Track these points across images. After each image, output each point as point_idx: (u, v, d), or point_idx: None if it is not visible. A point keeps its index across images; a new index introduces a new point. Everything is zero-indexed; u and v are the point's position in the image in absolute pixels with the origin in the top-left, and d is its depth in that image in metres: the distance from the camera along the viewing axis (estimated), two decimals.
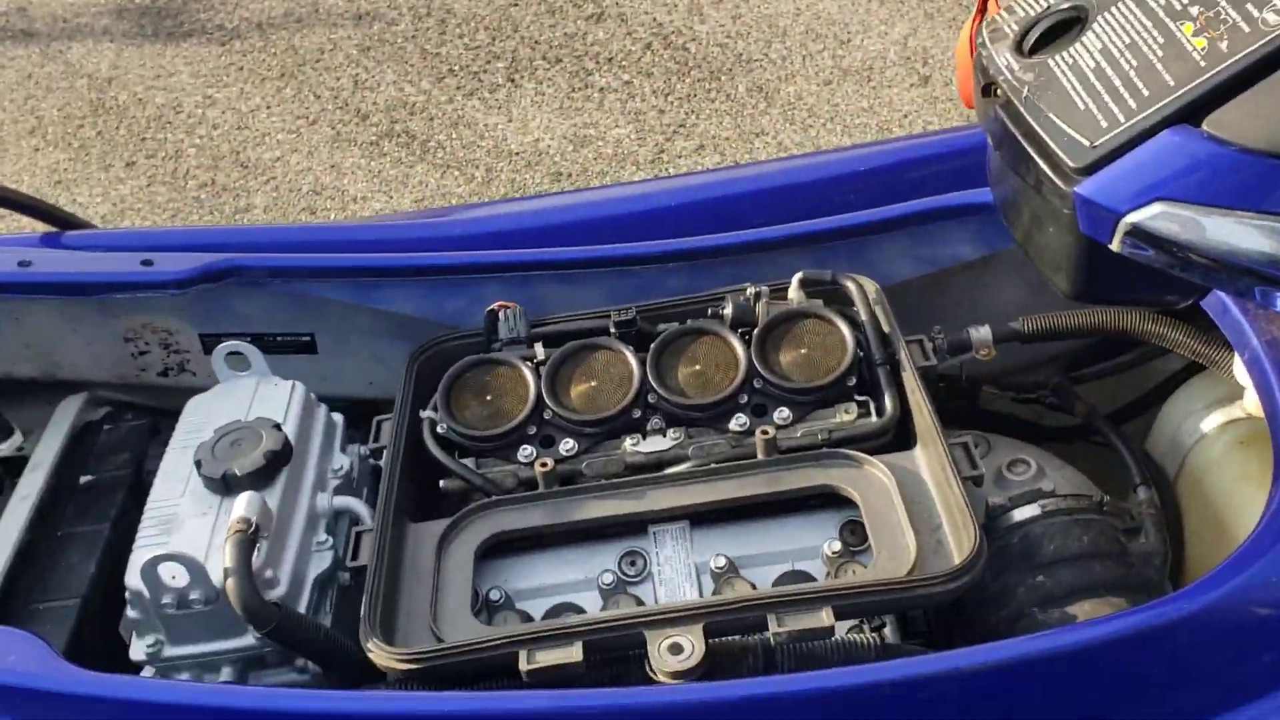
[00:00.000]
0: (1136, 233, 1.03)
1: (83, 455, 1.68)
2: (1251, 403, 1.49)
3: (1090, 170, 1.06)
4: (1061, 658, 1.11)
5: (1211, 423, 1.61)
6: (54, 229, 1.99)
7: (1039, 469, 1.55)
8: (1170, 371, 1.78)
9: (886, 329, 1.53)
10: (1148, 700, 1.16)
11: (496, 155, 4.13)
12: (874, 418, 1.48)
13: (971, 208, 1.67)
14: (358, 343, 1.81)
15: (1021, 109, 1.13)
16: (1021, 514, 1.47)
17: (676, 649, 1.18)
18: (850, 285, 1.58)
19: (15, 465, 1.67)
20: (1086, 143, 1.06)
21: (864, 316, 1.54)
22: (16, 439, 1.71)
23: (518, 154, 4.12)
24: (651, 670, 1.19)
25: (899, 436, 1.48)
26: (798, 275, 1.59)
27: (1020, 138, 1.13)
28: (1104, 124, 1.07)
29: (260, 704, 1.15)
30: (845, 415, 1.49)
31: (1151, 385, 1.80)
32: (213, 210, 4.00)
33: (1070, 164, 1.07)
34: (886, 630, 1.36)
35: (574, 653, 1.19)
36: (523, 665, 1.18)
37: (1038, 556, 1.41)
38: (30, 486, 1.59)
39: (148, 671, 1.32)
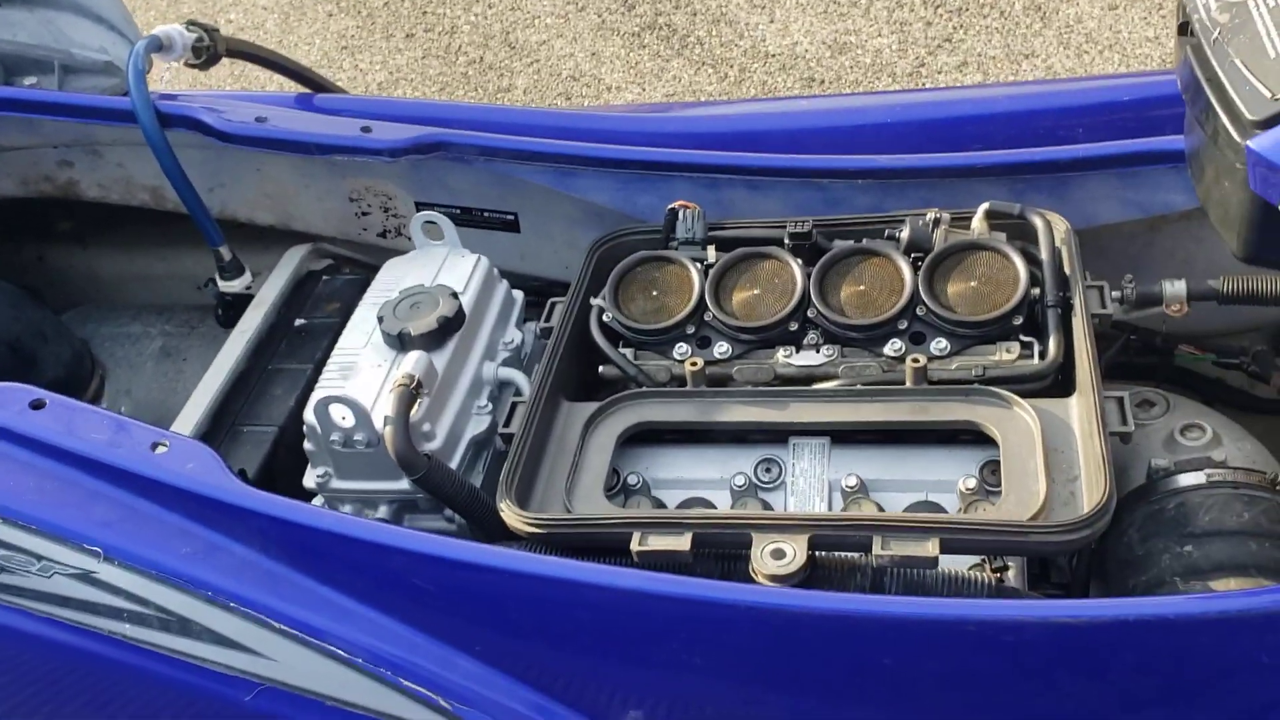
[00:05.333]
0: None
1: (301, 300, 1.86)
2: None
3: (1268, 124, 0.98)
4: (1163, 626, 1.07)
5: None
6: (307, 91, 2.18)
7: (1214, 436, 1.47)
8: None
9: (1067, 270, 1.47)
10: (1265, 686, 1.10)
11: (752, 56, 4.11)
12: (1035, 360, 1.44)
13: None
14: (556, 227, 1.89)
15: (1209, 52, 1.05)
16: (1184, 480, 1.40)
17: (779, 554, 1.21)
18: (1038, 221, 1.52)
19: (243, 302, 1.86)
20: (1268, 93, 0.98)
21: (1044, 255, 1.48)
22: (246, 278, 1.90)
23: (774, 56, 4.09)
24: (752, 571, 1.23)
25: (1060, 383, 1.43)
26: (983, 206, 1.54)
27: (1204, 83, 1.06)
28: None
29: (390, 541, 1.26)
30: (1006, 354, 1.45)
31: None
32: (477, 87, 4.19)
33: (1248, 115, 1.00)
34: (1010, 574, 1.34)
35: (683, 542, 1.24)
36: (634, 546, 1.25)
37: (1190, 525, 1.35)
38: (250, 322, 1.78)
39: (317, 500, 1.48)
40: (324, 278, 1.90)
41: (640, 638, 1.20)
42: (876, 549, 1.20)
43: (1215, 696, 1.08)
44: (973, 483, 1.35)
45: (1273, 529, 1.34)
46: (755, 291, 1.55)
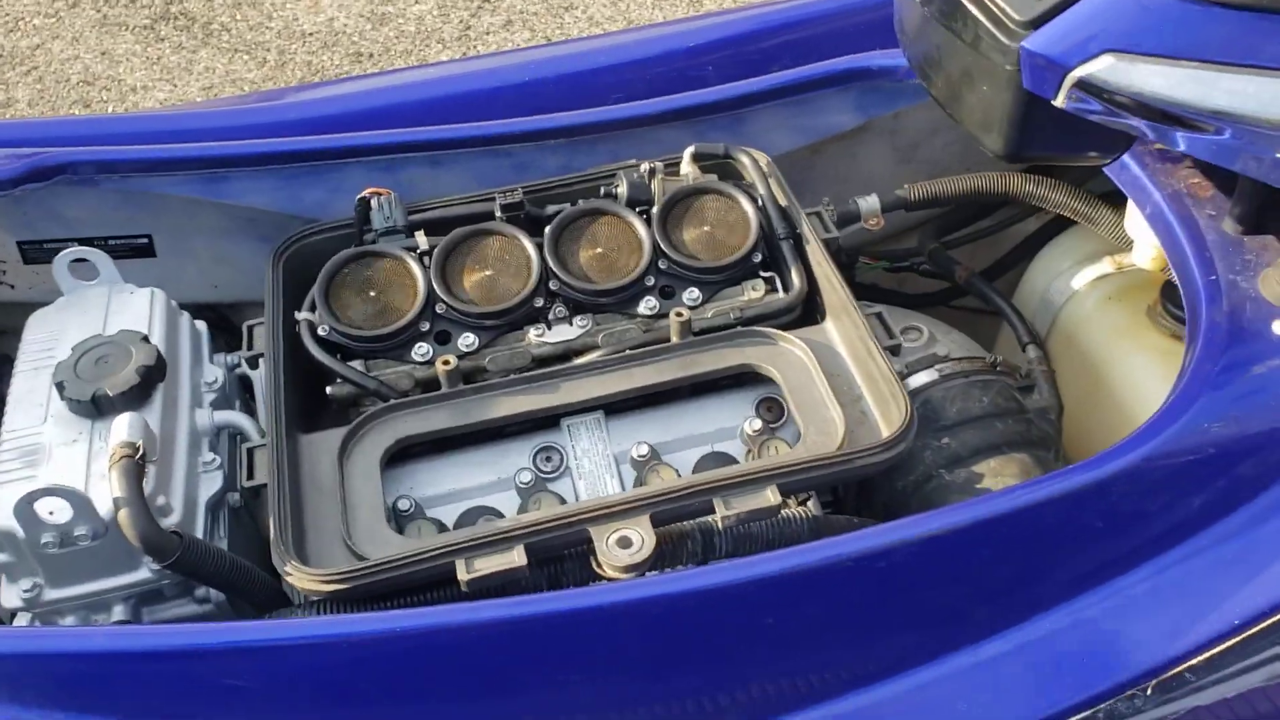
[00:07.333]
0: (1085, 86, 1.02)
1: None
2: (1130, 257, 1.54)
3: (1038, 23, 1.04)
4: (1004, 520, 1.12)
5: (1081, 280, 1.67)
6: None
7: (930, 335, 1.57)
8: (1027, 234, 1.82)
9: (784, 202, 1.50)
10: (1086, 552, 1.18)
11: (288, 37, 3.84)
12: (781, 293, 1.45)
13: (854, 74, 1.64)
14: (200, 242, 1.64)
15: None
16: (919, 379, 1.49)
17: (625, 542, 1.14)
18: (744, 158, 1.53)
19: None
20: None
21: (761, 190, 1.49)
22: None
23: (311, 34, 3.85)
24: (599, 565, 1.14)
25: (806, 311, 1.46)
26: (690, 149, 1.53)
27: None
28: None
29: (170, 643, 1.04)
30: (753, 293, 1.45)
31: (1008, 249, 1.84)
32: None
33: (1016, 17, 1.04)
34: (810, 504, 1.35)
35: (515, 557, 1.13)
36: (461, 575, 1.11)
37: (941, 419, 1.43)
38: None
39: (23, 619, 1.18)
40: None
41: (509, 670, 1.07)
42: (721, 510, 1.16)
43: (1063, 566, 1.15)
44: (757, 424, 1.34)
45: (1009, 406, 1.46)
46: (488, 272, 1.43)
